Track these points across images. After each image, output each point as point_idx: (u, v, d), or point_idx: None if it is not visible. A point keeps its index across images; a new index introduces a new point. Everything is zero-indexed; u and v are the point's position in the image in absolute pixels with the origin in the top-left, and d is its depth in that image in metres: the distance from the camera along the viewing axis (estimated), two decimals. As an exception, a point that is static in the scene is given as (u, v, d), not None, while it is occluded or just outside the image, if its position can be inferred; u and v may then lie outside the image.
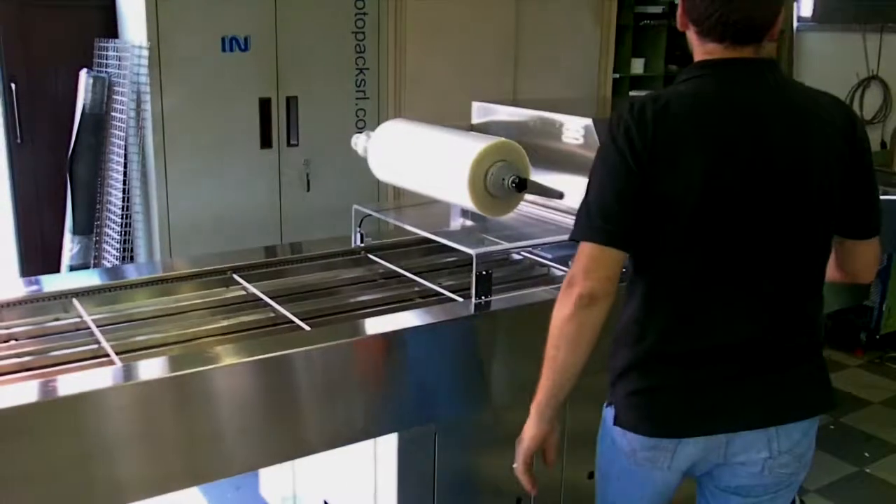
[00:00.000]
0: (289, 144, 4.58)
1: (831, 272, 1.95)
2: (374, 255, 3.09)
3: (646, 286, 1.85)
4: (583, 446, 2.79)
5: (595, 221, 1.76)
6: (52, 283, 2.72)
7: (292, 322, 2.48)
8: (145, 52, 4.06)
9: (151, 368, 2.07)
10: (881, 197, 1.94)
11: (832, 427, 4.17)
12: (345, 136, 3.16)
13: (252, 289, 2.74)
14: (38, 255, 4.57)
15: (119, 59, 4.23)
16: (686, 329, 1.83)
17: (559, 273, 2.91)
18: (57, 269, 4.43)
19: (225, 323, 2.58)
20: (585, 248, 1.77)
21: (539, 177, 2.62)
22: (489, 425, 2.65)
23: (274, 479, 3.26)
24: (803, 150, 1.78)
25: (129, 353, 2.32)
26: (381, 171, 2.97)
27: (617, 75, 6.12)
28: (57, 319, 2.56)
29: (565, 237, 2.75)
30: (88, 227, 4.40)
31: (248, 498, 3.47)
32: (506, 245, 2.74)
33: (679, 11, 1.87)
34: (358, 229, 3.12)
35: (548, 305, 2.55)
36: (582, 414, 2.75)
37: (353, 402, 2.32)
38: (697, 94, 1.80)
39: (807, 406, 1.89)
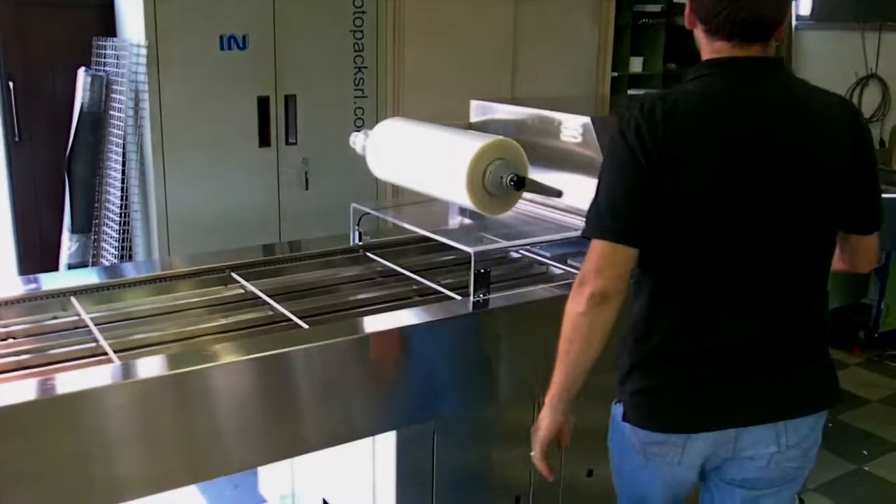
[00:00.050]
0: (287, 143, 4.58)
1: (833, 263, 1.97)
2: (373, 254, 3.09)
3: (653, 285, 1.87)
4: (582, 444, 2.79)
5: (606, 219, 1.78)
6: (50, 282, 2.72)
7: (291, 320, 2.48)
8: (143, 51, 4.05)
9: (149, 367, 2.07)
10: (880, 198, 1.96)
11: (831, 425, 4.17)
12: (343, 135, 3.16)
13: (250, 287, 2.74)
14: (36, 253, 4.57)
15: (117, 57, 4.22)
16: (692, 328, 1.85)
17: (557, 271, 2.91)
18: (55, 268, 4.43)
19: (223, 321, 2.58)
20: (597, 246, 1.79)
21: (537, 175, 2.62)
22: (488, 423, 2.65)
23: (272, 477, 3.26)
24: (810, 148, 1.80)
25: (128, 351, 2.32)
26: (380, 170, 2.97)
27: (615, 74, 6.12)
28: (55, 318, 2.56)
29: (564, 235, 2.78)
30: (87, 225, 4.40)
31: (246, 496, 3.47)
32: (504, 243, 2.74)
33: (687, 10, 1.88)
34: (356, 228, 3.12)
35: (546, 303, 2.58)
36: (581, 412, 2.75)
37: (351, 400, 2.32)
38: (705, 93, 1.82)
39: (814, 400, 1.91)
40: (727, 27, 1.79)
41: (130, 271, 2.92)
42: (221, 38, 4.28)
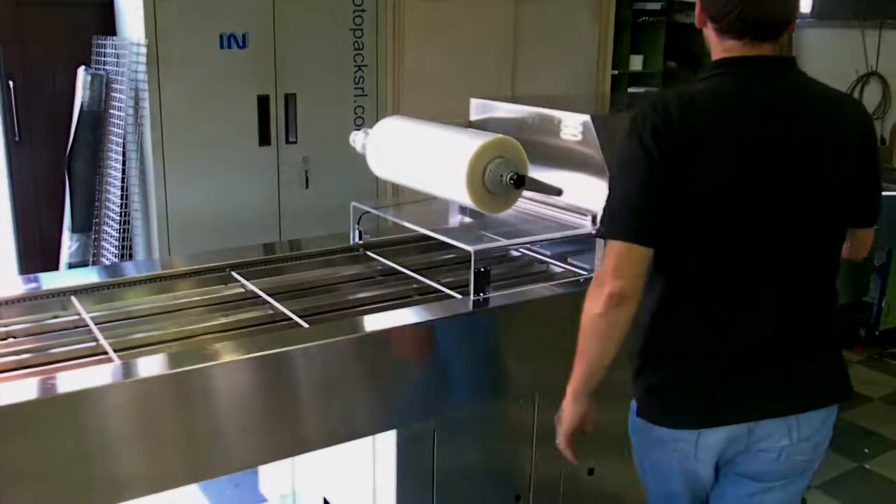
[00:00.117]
0: (287, 142, 4.58)
1: None
2: (373, 252, 3.09)
3: (665, 283, 1.89)
4: (583, 443, 2.79)
5: (622, 219, 1.79)
6: (50, 281, 2.72)
7: (291, 319, 2.48)
8: (143, 50, 4.05)
9: (150, 366, 2.07)
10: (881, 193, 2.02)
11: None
12: (343, 134, 3.16)
13: (251, 286, 2.74)
14: (36, 252, 4.57)
15: (117, 56, 4.22)
16: (704, 325, 1.88)
17: (558, 270, 2.90)
18: (56, 267, 4.43)
19: (223, 320, 2.58)
20: (614, 247, 1.80)
21: (537, 173, 2.62)
22: (488, 421, 2.65)
23: (273, 476, 3.26)
24: (821, 147, 1.83)
25: (128, 350, 2.32)
26: (380, 168, 2.96)
27: (616, 72, 6.11)
28: (55, 317, 2.57)
29: (564, 234, 2.78)
30: (87, 224, 4.40)
31: (247, 495, 3.48)
32: (504, 242, 2.74)
33: (697, 9, 1.90)
34: (356, 226, 3.12)
35: (547, 302, 2.58)
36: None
37: (351, 399, 2.32)
38: (719, 92, 1.84)
39: (826, 394, 1.94)
40: (738, 26, 1.81)
41: (131, 270, 2.93)
42: (221, 36, 4.27)
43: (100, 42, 4.40)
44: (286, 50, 4.47)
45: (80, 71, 4.26)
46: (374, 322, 2.41)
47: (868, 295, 4.91)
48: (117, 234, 4.32)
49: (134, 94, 4.15)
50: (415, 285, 2.85)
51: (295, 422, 2.26)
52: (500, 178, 2.51)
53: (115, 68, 4.22)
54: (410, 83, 5.01)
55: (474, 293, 2.50)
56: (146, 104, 4.13)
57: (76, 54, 4.39)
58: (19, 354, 2.30)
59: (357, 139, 3.01)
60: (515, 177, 2.50)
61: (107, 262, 4.40)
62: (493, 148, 2.52)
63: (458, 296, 2.62)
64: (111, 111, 4.29)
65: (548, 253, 2.99)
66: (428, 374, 2.44)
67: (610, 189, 1.86)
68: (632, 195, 1.79)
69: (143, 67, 4.07)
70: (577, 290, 2.65)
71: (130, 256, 4.37)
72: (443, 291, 2.70)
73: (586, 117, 2.73)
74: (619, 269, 1.79)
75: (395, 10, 4.85)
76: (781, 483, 1.98)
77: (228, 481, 3.53)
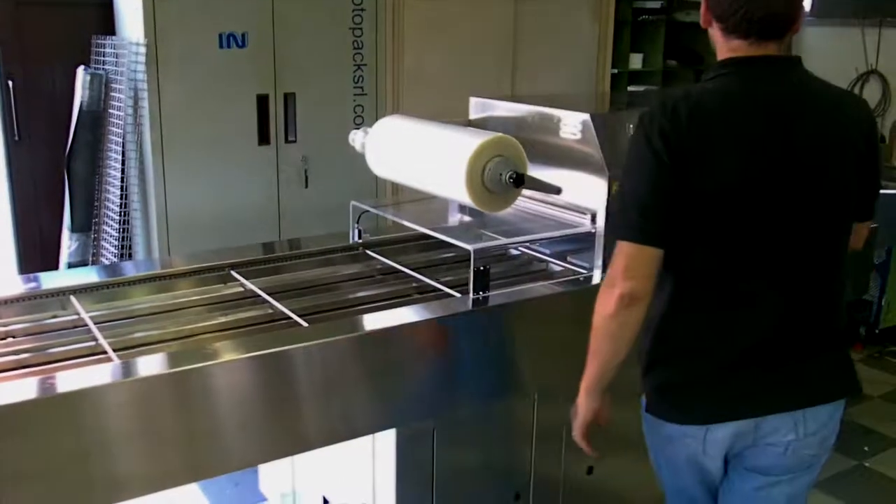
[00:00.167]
0: (287, 141, 4.58)
1: None
2: (372, 251, 3.09)
3: (673, 283, 1.91)
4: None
5: (633, 220, 1.82)
6: (49, 281, 2.72)
7: (290, 318, 2.48)
8: (143, 49, 4.05)
9: (149, 365, 2.07)
10: (881, 191, 2.05)
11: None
12: (343, 133, 3.15)
13: (250, 285, 2.74)
14: (36, 252, 4.56)
15: (116, 56, 4.22)
16: (712, 324, 1.91)
17: (557, 268, 2.90)
18: (55, 267, 4.43)
19: (223, 319, 2.58)
20: (624, 248, 1.83)
21: (537, 172, 2.61)
22: (487, 420, 2.65)
23: (273, 475, 3.26)
24: (826, 145, 1.86)
25: (127, 349, 2.32)
26: (379, 168, 2.96)
27: (615, 70, 6.11)
28: (55, 316, 2.57)
29: (563, 232, 2.78)
30: (86, 224, 4.39)
31: (247, 494, 3.48)
32: (503, 240, 2.74)
33: (702, 9, 1.92)
34: (356, 225, 3.12)
35: (546, 301, 2.58)
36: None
37: (351, 398, 2.32)
38: (724, 92, 1.86)
39: (832, 390, 1.97)
40: (744, 25, 1.83)
41: (130, 270, 2.93)
42: (220, 36, 4.27)
43: (99, 42, 4.39)
44: (285, 49, 4.47)
45: (80, 70, 4.26)
46: (374, 321, 2.41)
47: (868, 293, 4.91)
48: (117, 234, 4.31)
49: (133, 93, 4.15)
50: (414, 284, 2.85)
51: (294, 421, 2.25)
52: (500, 177, 2.51)
53: (115, 68, 4.22)
54: (410, 82, 5.01)
55: (474, 292, 2.51)
56: (145, 104, 4.13)
57: (75, 54, 4.38)
58: (18, 354, 2.30)
59: (356, 138, 3.01)
60: (515, 175, 2.50)
61: (106, 262, 4.40)
62: (492, 147, 2.52)
63: (458, 294, 2.62)
64: (110, 111, 4.28)
65: (547, 251, 3.00)
66: (427, 373, 2.44)
67: (619, 190, 1.89)
68: (641, 196, 1.82)
69: (142, 67, 4.07)
70: (577, 289, 2.66)
71: (130, 256, 4.37)
72: (442, 290, 2.70)
73: (586, 116, 2.72)
74: (629, 270, 1.82)
75: (394, 9, 4.85)
76: (788, 477, 2.00)
77: (228, 480, 3.53)
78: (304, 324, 2.42)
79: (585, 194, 2.71)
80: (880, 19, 5.72)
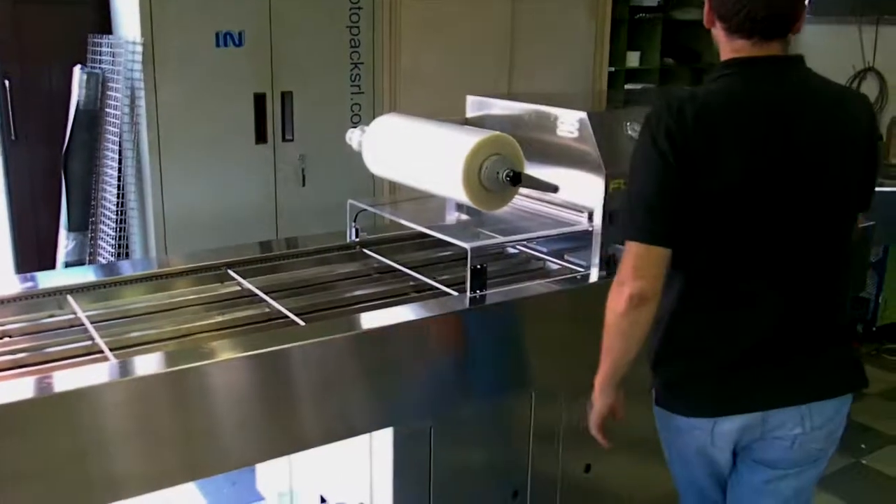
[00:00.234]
0: (284, 140, 4.57)
1: None
2: (370, 250, 3.09)
3: (681, 282, 1.95)
4: (580, 440, 2.79)
5: (640, 221, 1.86)
6: (46, 280, 2.72)
7: (287, 317, 2.48)
8: (139, 48, 4.04)
9: (146, 364, 2.07)
10: (876, 189, 2.07)
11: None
12: (340, 131, 3.15)
13: (247, 284, 2.74)
14: (33, 252, 4.56)
15: (113, 55, 4.21)
16: (720, 321, 1.95)
17: (554, 267, 2.90)
18: (52, 266, 4.43)
19: (220, 319, 2.57)
20: (633, 248, 1.87)
21: (534, 170, 2.62)
22: (485, 418, 2.65)
23: (270, 474, 3.26)
24: (828, 144, 1.89)
25: (124, 349, 2.32)
26: (376, 166, 2.96)
27: (612, 69, 6.10)
28: (51, 316, 2.56)
29: (560, 230, 2.78)
30: (83, 223, 4.39)
31: (244, 493, 3.48)
32: (500, 239, 2.74)
33: (706, 9, 1.95)
34: (353, 224, 3.12)
35: (543, 299, 2.58)
36: (578, 409, 2.75)
37: (348, 397, 2.32)
38: (729, 93, 1.89)
39: (838, 384, 2.00)
40: (747, 25, 1.86)
41: (127, 269, 2.92)
42: (217, 34, 4.26)
43: (96, 41, 4.39)
44: (282, 48, 4.46)
45: (77, 69, 4.25)
46: (371, 320, 2.41)
47: (865, 291, 4.92)
48: (114, 233, 4.31)
49: (130, 92, 4.14)
50: (411, 283, 2.85)
51: (292, 420, 2.25)
52: (497, 176, 2.51)
53: (112, 67, 4.21)
54: (407, 81, 5.00)
55: (471, 290, 2.50)
56: (142, 103, 4.12)
57: (72, 53, 4.38)
58: (15, 354, 2.30)
59: (353, 137, 3.00)
60: (512, 174, 2.50)
61: (103, 261, 4.39)
62: (489, 145, 2.52)
63: (455, 293, 2.62)
64: (107, 110, 4.28)
65: (544, 250, 3.00)
66: (425, 372, 2.43)
67: (627, 191, 1.92)
68: (648, 198, 1.86)
69: (139, 66, 4.07)
70: (574, 287, 2.66)
71: (127, 255, 4.36)
72: (439, 289, 2.70)
73: (583, 114, 2.72)
74: (638, 269, 1.87)
75: (391, 8, 4.84)
76: (795, 471, 2.03)
77: (225, 479, 3.53)
78: (302, 323, 2.42)
79: (582, 192, 2.71)
80: (877, 17, 5.72)
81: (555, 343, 2.64)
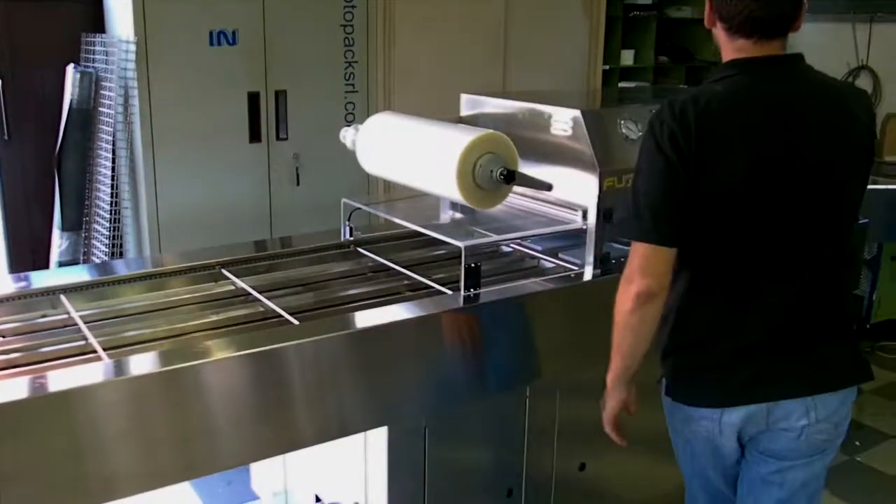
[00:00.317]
0: (278, 139, 4.57)
1: None
2: (364, 249, 3.09)
3: (688, 277, 2.00)
4: (575, 438, 2.80)
5: (646, 223, 1.89)
6: (40, 280, 2.71)
7: (281, 316, 2.47)
8: (133, 47, 4.03)
9: (140, 364, 2.07)
10: (869, 186, 2.09)
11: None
12: (334, 130, 3.15)
13: (241, 283, 2.74)
14: (26, 251, 4.55)
15: (106, 53, 4.21)
16: (727, 315, 1.98)
17: (549, 265, 2.91)
18: (46, 266, 4.42)
19: (214, 318, 2.57)
20: (639, 248, 1.91)
21: (528, 168, 2.61)
22: (479, 417, 2.64)
23: (265, 473, 3.25)
24: (832, 141, 1.92)
25: (118, 348, 2.32)
26: (370, 165, 2.96)
27: (607, 67, 6.10)
28: (45, 316, 2.55)
29: (554, 229, 2.78)
30: (77, 223, 4.38)
31: (239, 492, 3.47)
32: (495, 237, 2.74)
33: (707, 9, 1.99)
34: (347, 223, 3.12)
35: (537, 297, 2.58)
36: (572, 408, 2.76)
37: (342, 396, 2.32)
38: (732, 94, 1.91)
39: (842, 377, 2.03)
40: (748, 25, 1.89)
41: (121, 268, 2.91)
42: (211, 33, 4.26)
43: (89, 39, 4.38)
44: (276, 46, 4.46)
45: (70, 68, 4.24)
46: (365, 318, 2.40)
47: (859, 288, 4.92)
48: (107, 233, 4.30)
49: (123, 91, 4.13)
50: (405, 281, 2.85)
51: (286, 419, 2.25)
52: (491, 174, 2.50)
53: (105, 66, 4.21)
54: (401, 79, 5.00)
55: (465, 289, 2.50)
56: (136, 101, 4.12)
57: (65, 52, 4.37)
58: (8, 354, 2.29)
59: (347, 136, 3.00)
60: (506, 172, 2.50)
61: (97, 261, 4.38)
62: (483, 143, 2.51)
63: (449, 292, 2.61)
64: (101, 109, 4.27)
65: (538, 248, 3.00)
66: (419, 370, 2.43)
67: (633, 192, 1.95)
68: (653, 199, 1.89)
69: (132, 65, 4.06)
70: (568, 286, 2.66)
71: (121, 254, 4.35)
72: (433, 287, 2.70)
73: (576, 112, 2.72)
74: (644, 268, 1.91)
75: (385, 7, 4.84)
76: (803, 462, 2.06)
77: (220, 479, 3.53)
78: (296, 322, 2.41)
79: (576, 191, 2.71)
80: (871, 15, 5.73)
81: (549, 341, 2.64)
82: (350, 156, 3.02)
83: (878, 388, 4.57)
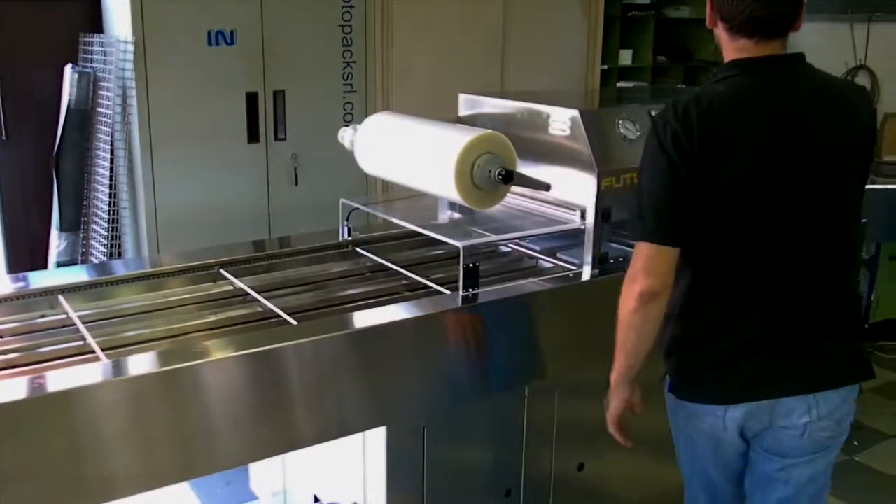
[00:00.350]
0: (276, 139, 4.57)
1: None
2: (362, 249, 3.09)
3: (691, 275, 2.01)
4: (573, 439, 2.80)
5: (649, 223, 1.91)
6: (38, 280, 2.71)
7: (279, 316, 2.47)
8: (131, 47, 4.03)
9: (138, 364, 2.07)
10: (868, 186, 2.09)
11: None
12: (332, 130, 3.15)
13: (239, 284, 2.74)
14: (25, 252, 4.55)
15: (104, 54, 4.21)
16: (729, 313, 2.00)
17: (547, 265, 2.90)
18: (44, 266, 4.42)
19: (212, 318, 2.57)
20: (643, 248, 1.93)
21: (526, 168, 2.61)
22: (478, 417, 2.64)
23: (264, 473, 3.25)
24: (834, 141, 1.94)
25: (116, 349, 2.31)
26: (368, 165, 2.95)
27: (605, 66, 6.10)
28: (43, 316, 2.55)
29: (553, 229, 2.78)
30: (75, 223, 4.38)
31: (238, 493, 3.47)
32: (493, 237, 2.74)
33: (708, 10, 2.01)
34: (346, 223, 3.12)
35: (536, 297, 2.57)
36: (571, 407, 2.76)
37: (341, 396, 2.32)
38: (734, 94, 1.93)
39: (843, 375, 2.05)
40: (750, 25, 1.91)
41: (119, 269, 2.91)
42: (209, 33, 4.26)
43: (87, 40, 4.38)
44: (274, 46, 4.46)
45: (68, 69, 4.24)
46: (363, 318, 2.40)
47: (857, 289, 4.91)
48: (106, 233, 4.30)
49: (122, 91, 4.13)
50: (404, 281, 2.84)
51: (285, 419, 2.25)
52: (489, 174, 2.50)
53: (103, 66, 4.20)
54: (399, 79, 5.00)
55: (463, 289, 2.50)
56: (134, 102, 4.12)
57: (63, 52, 4.37)
58: (6, 354, 2.29)
59: (346, 136, 3.00)
60: (504, 172, 2.50)
61: (95, 261, 4.38)
62: (481, 143, 2.51)
63: (448, 292, 2.61)
64: (99, 109, 4.27)
65: (537, 248, 3.00)
66: (417, 371, 2.43)
67: (637, 192, 1.97)
68: (656, 200, 1.91)
69: (130, 65, 4.06)
70: (567, 286, 2.66)
71: (119, 255, 4.35)
72: (432, 287, 2.70)
73: (574, 112, 2.72)
74: (648, 268, 1.92)
75: (383, 6, 4.84)
76: (807, 459, 2.07)
77: (219, 479, 3.53)
78: (294, 322, 2.41)
79: (575, 191, 2.71)
80: (869, 14, 5.74)
81: (548, 341, 2.64)
82: (348, 156, 3.02)
83: (876, 387, 4.57)
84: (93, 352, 2.24)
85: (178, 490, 3.38)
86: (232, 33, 4.31)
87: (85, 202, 4.42)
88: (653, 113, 2.77)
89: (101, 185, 4.31)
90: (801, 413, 2.00)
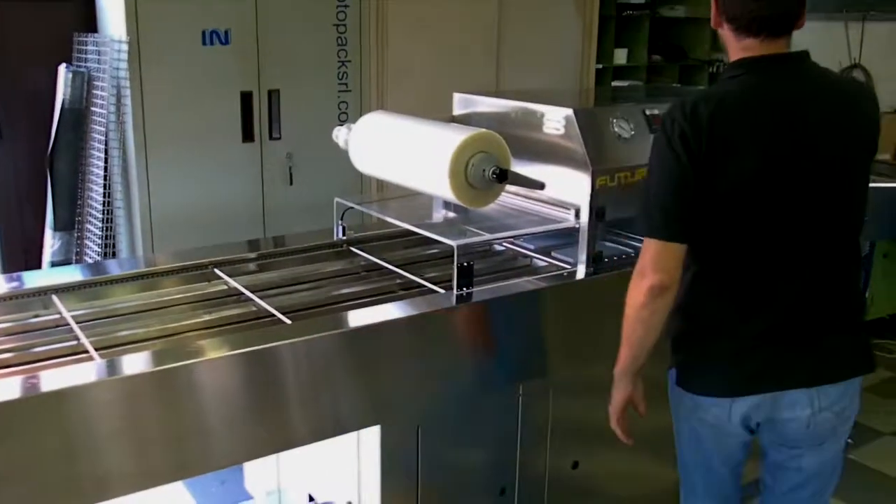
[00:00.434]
0: (271, 138, 4.56)
1: None
2: (357, 248, 3.09)
3: (698, 270, 2.05)
4: (567, 437, 2.80)
5: (657, 220, 1.95)
6: (31, 280, 2.71)
7: (274, 316, 2.47)
8: (125, 47, 4.03)
9: (132, 363, 2.06)
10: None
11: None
12: (327, 130, 3.14)
13: (234, 283, 2.73)
14: (19, 251, 4.54)
15: (99, 53, 4.20)
16: (734, 306, 2.03)
17: (541, 263, 2.91)
18: (38, 266, 4.41)
19: (207, 318, 2.57)
20: (651, 244, 1.97)
21: (521, 167, 2.62)
22: (472, 416, 2.64)
23: (258, 473, 3.25)
24: (839, 138, 1.96)
25: (110, 348, 2.31)
26: (363, 164, 2.95)
27: (600, 66, 6.11)
28: (37, 316, 2.55)
29: (547, 227, 2.78)
30: (69, 223, 4.38)
31: (232, 492, 3.47)
32: (487, 236, 2.74)
33: (713, 10, 2.03)
34: (340, 222, 3.12)
35: (530, 296, 2.58)
36: (565, 406, 2.76)
37: (335, 396, 2.32)
38: (741, 92, 1.96)
39: (844, 369, 2.07)
40: (755, 24, 1.94)
41: (113, 268, 2.91)
42: (204, 33, 4.25)
43: (81, 39, 4.37)
44: (269, 46, 4.45)
45: (62, 68, 4.24)
46: (358, 317, 2.41)
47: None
48: (100, 232, 4.29)
49: (116, 91, 4.13)
50: (398, 280, 2.85)
51: (279, 418, 2.25)
52: (483, 173, 2.50)
53: (97, 65, 4.20)
54: (394, 78, 5.00)
55: (458, 288, 2.50)
56: (128, 101, 4.11)
57: (57, 52, 4.36)
58: (0, 354, 2.28)
59: (340, 135, 3.00)
60: (498, 171, 2.50)
61: (90, 261, 4.38)
62: (475, 143, 2.51)
63: (442, 290, 2.62)
64: (93, 109, 4.26)
65: (531, 247, 3.00)
66: (412, 369, 2.43)
67: (645, 189, 2.00)
68: (664, 197, 1.94)
69: (124, 64, 4.05)
70: (561, 284, 2.66)
71: (113, 254, 4.35)
72: (426, 286, 2.70)
73: (569, 111, 2.72)
74: (656, 263, 1.96)
75: (378, 6, 4.83)
76: (814, 447, 2.12)
77: (214, 478, 3.52)
78: (288, 321, 2.41)
79: (569, 189, 2.71)
80: (864, 13, 5.74)
81: (542, 340, 2.64)
82: (343, 155, 3.02)
83: (871, 385, 4.57)
84: (86, 351, 2.24)
85: (173, 489, 3.38)
86: (226, 33, 4.30)
87: (79, 202, 4.41)
88: (647, 112, 2.79)
89: (95, 184, 4.30)
90: (803, 405, 2.03)
